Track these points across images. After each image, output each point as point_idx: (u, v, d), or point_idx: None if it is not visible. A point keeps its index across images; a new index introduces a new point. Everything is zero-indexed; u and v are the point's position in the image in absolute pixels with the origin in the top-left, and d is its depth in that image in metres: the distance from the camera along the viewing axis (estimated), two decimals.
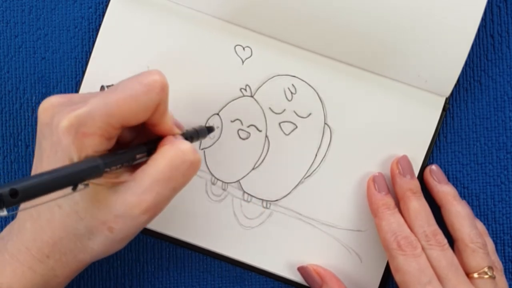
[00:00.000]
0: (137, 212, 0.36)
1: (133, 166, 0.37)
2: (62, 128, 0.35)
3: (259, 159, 0.45)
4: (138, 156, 0.37)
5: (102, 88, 0.41)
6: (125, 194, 0.36)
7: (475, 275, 0.42)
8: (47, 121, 0.36)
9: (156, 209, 0.37)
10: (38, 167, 0.37)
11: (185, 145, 0.37)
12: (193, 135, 0.41)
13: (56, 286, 0.39)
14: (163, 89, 0.36)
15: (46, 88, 0.48)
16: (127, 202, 0.36)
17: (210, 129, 0.44)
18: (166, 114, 0.38)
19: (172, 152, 0.36)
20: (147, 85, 0.36)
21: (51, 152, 0.36)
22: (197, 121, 0.45)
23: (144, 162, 0.37)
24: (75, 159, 0.35)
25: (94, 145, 0.35)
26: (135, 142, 0.40)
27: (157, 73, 0.36)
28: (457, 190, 0.47)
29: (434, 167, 0.45)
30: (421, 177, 0.45)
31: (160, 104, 0.36)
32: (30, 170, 0.47)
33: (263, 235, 0.46)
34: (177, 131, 0.39)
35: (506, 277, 0.47)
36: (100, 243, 0.37)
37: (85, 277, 0.47)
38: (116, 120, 0.35)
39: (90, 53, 0.46)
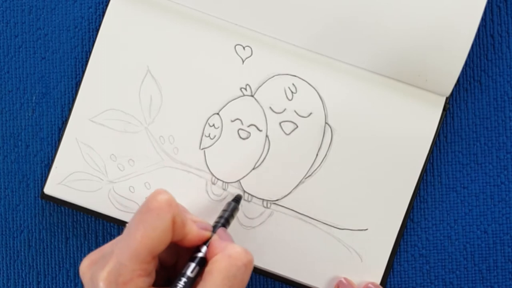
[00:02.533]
0: None
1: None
2: (100, 286, 0.35)
3: (259, 158, 0.45)
4: (191, 274, 0.37)
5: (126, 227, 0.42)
6: None
7: None
8: (88, 283, 0.37)
9: None
10: None
11: (235, 249, 0.37)
12: (229, 217, 0.42)
13: None
14: (171, 205, 0.37)
15: (46, 88, 0.47)
16: None
17: (238, 200, 0.44)
18: (187, 224, 0.38)
19: (224, 263, 0.36)
20: (155, 209, 0.36)
21: None
22: (197, 121, 0.45)
23: (200, 277, 0.37)
24: None
25: (137, 286, 0.36)
26: (180, 261, 0.40)
27: (160, 192, 0.37)
28: (457, 190, 0.47)
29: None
30: (421, 178, 0.45)
31: (175, 220, 0.37)
32: (30, 170, 0.47)
33: (263, 234, 0.45)
34: (207, 233, 0.39)
35: (506, 278, 0.47)
36: None
37: None
38: (144, 255, 0.36)
39: (90, 53, 0.46)
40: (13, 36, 0.48)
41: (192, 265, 0.37)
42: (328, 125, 0.45)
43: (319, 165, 0.45)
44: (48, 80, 0.48)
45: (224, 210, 0.42)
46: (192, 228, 0.38)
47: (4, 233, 0.48)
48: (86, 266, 0.38)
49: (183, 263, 0.38)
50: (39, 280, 0.48)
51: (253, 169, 0.46)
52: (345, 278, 0.45)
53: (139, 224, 0.36)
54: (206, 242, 0.38)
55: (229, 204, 0.43)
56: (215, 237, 0.39)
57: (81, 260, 0.47)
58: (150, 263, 0.36)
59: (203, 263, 0.38)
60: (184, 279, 0.37)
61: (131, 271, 0.35)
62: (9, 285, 0.48)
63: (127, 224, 0.38)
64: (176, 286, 0.36)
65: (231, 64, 0.45)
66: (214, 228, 0.40)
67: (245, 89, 0.45)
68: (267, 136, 0.45)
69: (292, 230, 0.46)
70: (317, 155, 0.45)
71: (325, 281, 0.46)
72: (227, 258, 0.36)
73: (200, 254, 0.38)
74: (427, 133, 0.45)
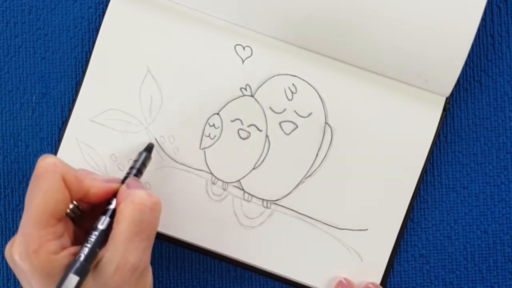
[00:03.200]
0: (128, 275, 0.36)
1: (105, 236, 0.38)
2: (18, 262, 0.36)
3: (259, 158, 0.45)
4: (101, 227, 0.38)
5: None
6: (109, 268, 0.36)
7: None
8: (11, 264, 0.38)
9: (142, 260, 0.37)
10: None
11: (138, 195, 0.37)
12: (141, 167, 0.42)
13: None
14: (56, 165, 0.37)
15: (46, 88, 0.47)
16: (113, 275, 0.36)
17: (149, 149, 0.44)
18: (84, 180, 0.38)
19: (129, 210, 0.37)
20: (42, 173, 0.37)
21: (24, 284, 0.37)
22: (197, 121, 0.45)
23: (110, 228, 0.37)
24: (54, 276, 0.36)
25: (49, 251, 0.36)
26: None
27: (45, 157, 0.37)
28: (457, 190, 0.47)
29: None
30: (421, 178, 0.45)
31: (65, 177, 0.37)
32: (30, 171, 0.47)
33: (263, 234, 0.45)
34: (114, 185, 0.39)
35: (506, 278, 0.47)
36: None
37: None
38: (46, 220, 0.36)
39: (90, 53, 0.46)
40: (13, 36, 0.48)
41: (103, 217, 0.38)
42: (328, 125, 0.45)
43: (319, 165, 0.45)
44: (48, 80, 0.48)
45: (135, 161, 0.42)
46: (94, 183, 0.38)
47: (4, 233, 0.48)
48: (6, 251, 0.38)
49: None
50: None
51: (253, 169, 0.46)
52: (345, 278, 0.45)
53: (31, 192, 0.37)
54: (115, 194, 0.39)
55: (140, 154, 0.43)
56: (122, 187, 0.39)
57: None
58: (57, 225, 0.37)
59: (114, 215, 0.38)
60: (95, 233, 0.37)
61: (38, 238, 0.36)
62: (9, 285, 0.48)
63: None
64: (88, 240, 0.37)
65: (231, 64, 0.45)
66: (125, 180, 0.40)
67: (245, 89, 0.45)
68: (267, 136, 0.45)
69: (292, 230, 0.46)
70: (317, 155, 0.45)
71: (325, 281, 0.46)
72: (131, 204, 0.37)
73: (110, 207, 0.38)
74: (427, 133, 0.45)
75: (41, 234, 0.36)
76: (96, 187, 0.39)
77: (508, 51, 0.47)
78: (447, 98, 0.45)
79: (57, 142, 0.47)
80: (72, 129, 0.46)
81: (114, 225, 0.37)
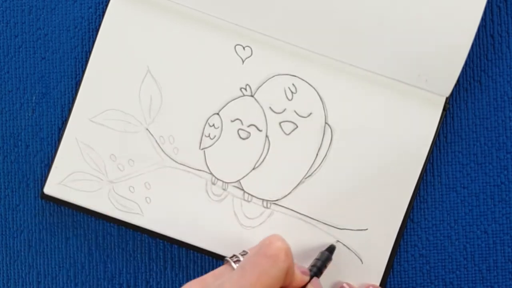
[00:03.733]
0: None
1: None
2: None
3: (259, 158, 0.45)
4: None
5: (226, 261, 0.41)
6: None
7: None
8: None
9: None
10: None
11: None
12: (321, 267, 0.43)
13: None
14: (288, 255, 0.37)
15: (46, 88, 0.47)
16: None
17: (331, 250, 0.45)
18: (295, 273, 0.39)
19: None
20: (273, 256, 0.37)
21: None
22: (197, 121, 0.45)
23: None
24: None
25: None
26: None
27: (279, 240, 0.38)
28: (457, 190, 0.47)
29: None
30: (421, 178, 0.45)
31: (289, 270, 0.37)
32: (30, 170, 0.47)
33: (263, 235, 0.45)
34: (306, 278, 0.40)
35: (506, 278, 0.47)
36: None
37: (84, 276, 0.47)
38: None
39: (90, 53, 0.46)
40: (13, 36, 0.48)
41: None
42: (328, 125, 0.45)
43: (319, 165, 0.45)
44: (48, 80, 0.48)
45: (317, 259, 0.43)
46: (297, 275, 0.39)
47: (4, 233, 0.48)
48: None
49: None
50: (39, 280, 0.48)
51: (253, 169, 0.46)
52: (347, 283, 0.45)
53: (255, 268, 0.37)
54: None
55: (322, 253, 0.44)
56: None
57: (81, 260, 0.47)
58: None
59: None
60: None
61: None
62: (9, 285, 0.48)
63: (232, 259, 0.40)
64: None
65: (231, 64, 0.45)
66: (312, 272, 0.42)
67: (245, 89, 0.45)
68: (267, 136, 0.45)
69: (292, 230, 0.45)
70: (317, 155, 0.45)
71: (325, 281, 0.46)
72: None
73: None
74: (427, 133, 0.45)
75: None
76: (297, 280, 0.39)
77: (508, 51, 0.47)
78: (447, 98, 0.45)
79: (57, 142, 0.47)
80: (72, 129, 0.46)
81: None
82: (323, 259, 0.43)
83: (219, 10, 0.45)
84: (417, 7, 0.44)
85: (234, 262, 0.40)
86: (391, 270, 0.47)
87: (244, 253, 0.41)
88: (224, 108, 0.45)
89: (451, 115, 0.48)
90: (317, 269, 0.43)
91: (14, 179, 0.47)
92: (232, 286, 0.36)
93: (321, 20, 0.44)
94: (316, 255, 0.45)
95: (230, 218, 0.45)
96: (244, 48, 0.45)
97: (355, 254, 0.46)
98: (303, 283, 0.40)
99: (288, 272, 0.38)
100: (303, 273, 0.40)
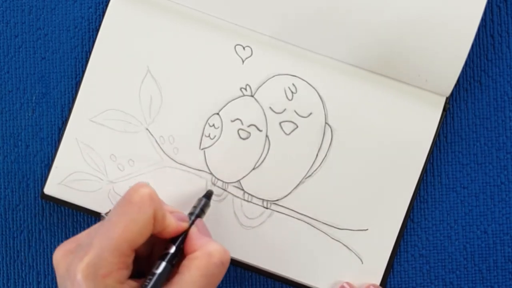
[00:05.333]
0: None
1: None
2: (80, 280, 0.35)
3: (259, 159, 0.45)
4: (162, 272, 0.37)
5: (102, 217, 0.41)
6: None
7: None
8: (64, 274, 0.37)
9: None
10: None
11: (215, 247, 0.37)
12: (200, 213, 0.42)
13: None
14: (153, 199, 0.37)
15: (46, 88, 0.47)
16: None
17: (209, 196, 0.44)
18: (166, 218, 0.38)
19: (204, 261, 0.37)
20: (138, 203, 0.36)
21: None
22: (197, 121, 0.45)
23: (176, 272, 0.37)
24: None
25: (116, 279, 0.36)
26: (154, 251, 0.40)
27: (142, 186, 0.37)
28: (457, 190, 0.47)
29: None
30: (421, 178, 0.45)
31: (156, 214, 0.37)
32: (30, 170, 0.47)
33: (263, 235, 0.45)
34: (184, 224, 0.39)
35: (506, 278, 0.47)
36: None
37: None
38: (125, 248, 0.36)
39: (90, 53, 0.46)
40: (13, 36, 0.48)
41: (163, 264, 0.38)
42: (328, 125, 0.45)
43: (319, 165, 0.45)
44: (48, 80, 0.48)
45: (194, 206, 0.42)
46: (171, 220, 0.38)
47: (4, 233, 0.48)
48: (61, 256, 0.37)
49: (158, 253, 0.39)
50: (39, 280, 0.48)
51: (253, 169, 0.46)
52: (347, 283, 0.45)
53: (121, 216, 0.36)
54: (181, 233, 0.39)
55: (200, 200, 0.43)
56: (194, 230, 0.39)
57: None
58: (130, 256, 0.36)
59: (175, 256, 0.38)
60: (155, 278, 0.37)
61: (110, 264, 0.35)
62: (9, 285, 0.48)
63: (107, 215, 0.38)
64: (146, 284, 0.36)
65: (231, 64, 0.45)
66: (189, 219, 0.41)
67: (245, 89, 0.45)
68: (267, 136, 0.45)
69: (292, 230, 0.46)
70: (317, 155, 0.45)
71: (325, 281, 0.46)
72: (207, 256, 0.37)
73: (170, 251, 0.38)
74: (427, 133, 0.45)
75: (115, 261, 0.35)
76: (172, 226, 0.38)
77: (508, 51, 0.47)
78: (447, 98, 0.45)
79: (57, 142, 0.47)
80: (72, 129, 0.46)
81: (184, 270, 0.37)
82: (201, 206, 0.42)
83: (219, 10, 0.45)
84: (417, 7, 0.44)
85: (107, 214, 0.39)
86: (391, 270, 0.47)
87: None
88: (224, 108, 0.45)
89: (451, 115, 0.48)
90: (196, 216, 0.42)
91: (14, 179, 0.47)
92: (101, 240, 0.36)
93: (321, 20, 0.44)
94: (317, 256, 0.45)
95: (230, 218, 0.45)
96: (244, 48, 0.45)
97: (355, 254, 0.46)
98: (180, 229, 0.39)
99: (157, 218, 0.37)
100: (181, 219, 0.39)
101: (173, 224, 0.38)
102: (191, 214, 0.42)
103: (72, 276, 0.35)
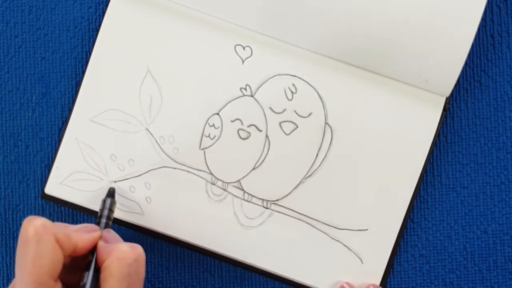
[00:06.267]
0: None
1: None
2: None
3: (259, 159, 0.45)
4: (90, 283, 0.37)
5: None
6: None
7: None
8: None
9: None
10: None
11: (121, 249, 0.37)
12: (109, 214, 0.42)
13: None
14: (46, 226, 0.36)
15: (46, 88, 0.47)
16: None
17: (111, 194, 0.44)
18: (71, 236, 0.38)
19: (115, 266, 0.37)
20: (31, 238, 0.36)
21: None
22: (197, 121, 0.45)
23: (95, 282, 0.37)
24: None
25: None
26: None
27: (31, 219, 0.36)
28: (457, 190, 0.47)
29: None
30: (421, 178, 0.45)
31: (57, 237, 0.36)
32: (30, 170, 0.47)
33: (263, 235, 0.45)
34: (96, 234, 0.39)
35: (506, 278, 0.47)
36: None
37: None
38: (45, 281, 0.35)
39: (90, 53, 0.46)
40: (13, 36, 0.48)
41: (87, 273, 0.38)
42: (328, 125, 0.45)
43: (319, 165, 0.45)
44: (48, 80, 0.48)
45: (101, 209, 0.43)
46: (79, 236, 0.38)
47: (4, 233, 0.48)
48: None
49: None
50: None
51: (253, 169, 0.46)
52: (346, 283, 0.45)
53: (24, 257, 0.36)
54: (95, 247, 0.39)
55: (104, 201, 0.43)
56: (100, 243, 0.39)
57: None
58: (55, 286, 0.36)
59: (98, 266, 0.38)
60: None
61: None
62: (9, 285, 0.47)
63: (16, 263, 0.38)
64: None
65: (231, 64, 0.45)
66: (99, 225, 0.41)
67: (245, 89, 0.45)
68: (267, 136, 0.45)
69: (292, 230, 0.46)
70: (317, 155, 0.45)
71: (324, 281, 0.46)
72: (116, 260, 0.37)
73: (92, 260, 0.38)
74: (427, 133, 0.45)
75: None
76: (82, 241, 0.38)
77: (508, 51, 0.47)
78: (447, 98, 0.45)
79: (57, 142, 0.47)
80: (72, 129, 0.46)
81: (102, 283, 0.37)
82: (109, 206, 0.42)
83: (219, 10, 0.45)
84: (417, 7, 0.44)
85: None
86: (391, 270, 0.47)
87: None
88: (224, 108, 0.45)
89: (451, 115, 0.48)
90: (107, 218, 0.42)
91: (14, 179, 0.47)
92: (17, 286, 0.36)
93: (321, 20, 0.44)
94: (317, 256, 0.45)
95: (230, 218, 0.45)
96: (244, 48, 0.45)
97: (355, 254, 0.46)
98: (94, 239, 0.39)
99: (60, 241, 0.37)
100: (90, 230, 0.39)
101: (83, 238, 0.38)
102: (100, 217, 0.42)
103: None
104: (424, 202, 0.47)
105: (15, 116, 0.48)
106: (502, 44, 0.48)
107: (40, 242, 0.36)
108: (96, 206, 0.45)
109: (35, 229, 0.36)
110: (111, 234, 0.40)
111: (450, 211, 0.47)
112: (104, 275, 0.37)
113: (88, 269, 0.38)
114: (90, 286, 0.37)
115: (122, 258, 0.37)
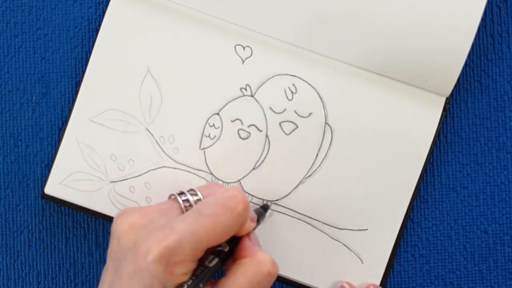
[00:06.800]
0: None
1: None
2: (153, 258, 0.35)
3: (259, 159, 0.45)
4: (213, 266, 0.37)
5: (181, 196, 0.41)
6: None
7: None
8: (130, 246, 0.36)
9: None
10: (116, 286, 0.36)
11: (265, 257, 0.37)
12: (258, 222, 0.42)
13: None
14: (247, 210, 0.37)
15: (46, 88, 0.47)
16: None
17: (265, 208, 0.45)
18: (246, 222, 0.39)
19: (252, 268, 0.37)
20: (232, 209, 0.37)
21: (136, 276, 0.35)
22: (197, 121, 0.45)
23: (222, 274, 0.37)
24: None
25: (183, 271, 0.35)
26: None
27: (240, 193, 0.37)
28: (457, 190, 0.47)
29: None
30: (421, 178, 0.45)
31: (244, 222, 0.38)
32: (30, 170, 0.47)
33: (263, 234, 0.45)
34: (253, 225, 0.40)
35: (506, 278, 0.47)
36: None
37: (84, 276, 0.47)
38: (204, 246, 0.36)
39: (90, 53, 0.46)
40: (13, 36, 0.48)
41: (216, 259, 0.38)
42: (328, 125, 0.45)
43: (319, 165, 0.45)
44: (48, 80, 0.48)
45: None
46: (248, 226, 0.39)
47: (4, 233, 0.48)
48: (128, 226, 0.37)
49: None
50: (39, 280, 0.48)
51: (253, 169, 0.46)
52: (347, 283, 0.45)
53: (212, 216, 0.36)
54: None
55: (257, 210, 0.44)
56: (246, 240, 0.39)
57: (81, 260, 0.47)
58: (203, 252, 0.36)
59: (228, 255, 0.38)
60: (203, 268, 0.37)
61: (185, 254, 0.35)
62: (9, 285, 0.48)
63: (195, 206, 0.38)
64: (195, 274, 0.36)
65: (231, 64, 0.45)
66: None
67: (245, 89, 0.45)
68: (267, 136, 0.45)
69: (292, 230, 0.46)
70: (317, 155, 0.45)
71: (324, 281, 0.46)
72: (256, 263, 0.37)
73: (225, 249, 0.38)
74: (427, 133, 0.45)
75: (191, 253, 0.35)
76: (246, 229, 0.39)
77: (508, 51, 0.47)
78: (447, 98, 0.45)
79: (57, 142, 0.47)
80: (72, 129, 0.46)
81: (230, 274, 0.37)
82: (259, 215, 0.43)
83: (219, 10, 0.45)
84: (417, 7, 0.44)
85: (183, 201, 0.39)
86: (391, 270, 0.47)
87: (193, 193, 0.40)
88: (224, 108, 0.45)
89: (451, 115, 0.48)
90: (257, 222, 0.42)
91: (14, 179, 0.47)
92: (185, 229, 0.35)
93: (321, 21, 0.44)
94: (317, 256, 0.45)
95: None
96: (244, 48, 0.45)
97: (355, 254, 0.46)
98: (248, 230, 0.39)
99: (242, 224, 0.38)
100: (252, 219, 0.40)
101: (247, 227, 0.39)
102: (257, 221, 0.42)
103: (142, 253, 0.35)
104: (424, 202, 0.47)
105: (15, 116, 0.48)
106: (502, 44, 0.48)
107: (233, 217, 0.37)
108: (96, 206, 0.45)
109: (239, 203, 0.37)
110: (255, 236, 0.41)
111: (450, 211, 0.47)
112: (237, 269, 0.37)
113: (217, 254, 0.38)
114: (212, 270, 0.37)
115: (262, 265, 0.37)
